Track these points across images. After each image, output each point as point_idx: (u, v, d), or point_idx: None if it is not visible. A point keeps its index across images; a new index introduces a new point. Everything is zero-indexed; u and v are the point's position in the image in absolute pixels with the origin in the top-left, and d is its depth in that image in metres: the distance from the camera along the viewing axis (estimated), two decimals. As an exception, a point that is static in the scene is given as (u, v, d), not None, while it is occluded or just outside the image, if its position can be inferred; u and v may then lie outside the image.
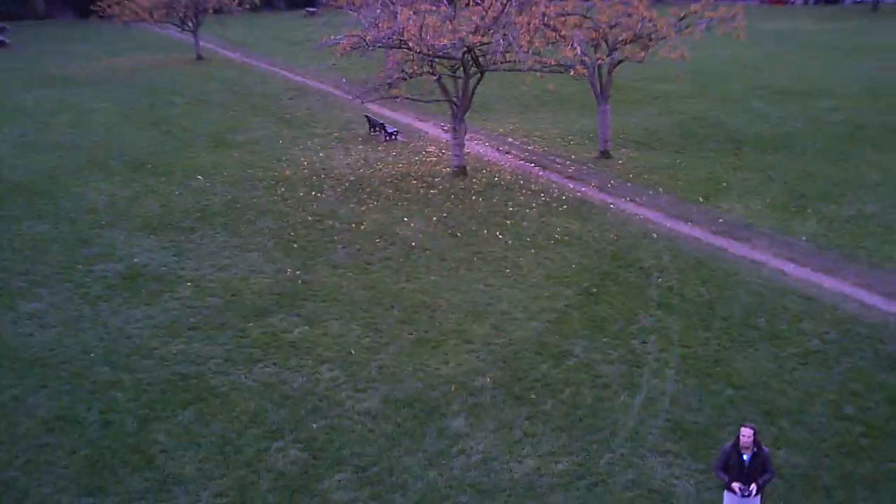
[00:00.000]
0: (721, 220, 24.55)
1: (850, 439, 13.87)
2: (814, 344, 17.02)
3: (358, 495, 12.80)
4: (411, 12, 28.37)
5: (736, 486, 11.02)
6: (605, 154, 32.07)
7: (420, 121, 39.42)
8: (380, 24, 28.78)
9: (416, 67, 29.18)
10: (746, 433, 11.00)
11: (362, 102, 30.17)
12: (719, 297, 19.26)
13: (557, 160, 31.79)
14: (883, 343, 16.94)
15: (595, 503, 12.54)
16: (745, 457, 11.03)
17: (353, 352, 17.24)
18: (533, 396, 15.41)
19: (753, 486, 10.97)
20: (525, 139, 35.32)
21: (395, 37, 28.17)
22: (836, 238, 22.90)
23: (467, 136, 31.49)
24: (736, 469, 11.08)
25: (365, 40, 28.34)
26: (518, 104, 42.96)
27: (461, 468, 13.42)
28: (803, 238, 22.99)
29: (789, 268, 20.93)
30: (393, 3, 29.67)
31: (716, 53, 56.41)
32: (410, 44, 27.67)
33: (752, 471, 11.03)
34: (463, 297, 19.68)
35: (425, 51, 27.69)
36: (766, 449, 11.22)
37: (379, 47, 28.88)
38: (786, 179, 28.26)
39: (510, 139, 35.31)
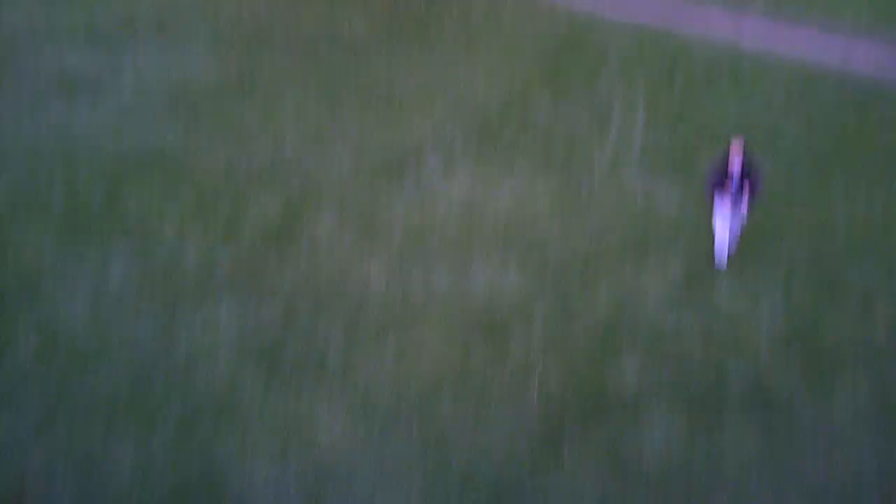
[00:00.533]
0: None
1: (821, 162, 14.22)
2: (777, 96, 17.18)
3: (347, 228, 12.65)
4: None
5: (725, 202, 11.01)
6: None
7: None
8: None
9: None
10: (736, 142, 11.05)
11: None
12: (679, 61, 19.22)
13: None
14: (848, 91, 17.18)
15: (582, 211, 12.65)
16: (735, 167, 11.04)
17: (314, 124, 16.76)
18: (506, 143, 15.31)
19: (744, 205, 11.01)
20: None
21: None
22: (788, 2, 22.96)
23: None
24: (727, 179, 11.11)
25: None
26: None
27: (443, 207, 13.36)
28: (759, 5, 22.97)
29: (749, 24, 20.91)
30: None
31: None
32: None
33: (742, 183, 11.07)
34: (420, 80, 19.18)
35: None
36: (756, 156, 11.25)
37: None
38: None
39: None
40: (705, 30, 21.74)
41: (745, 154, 11.04)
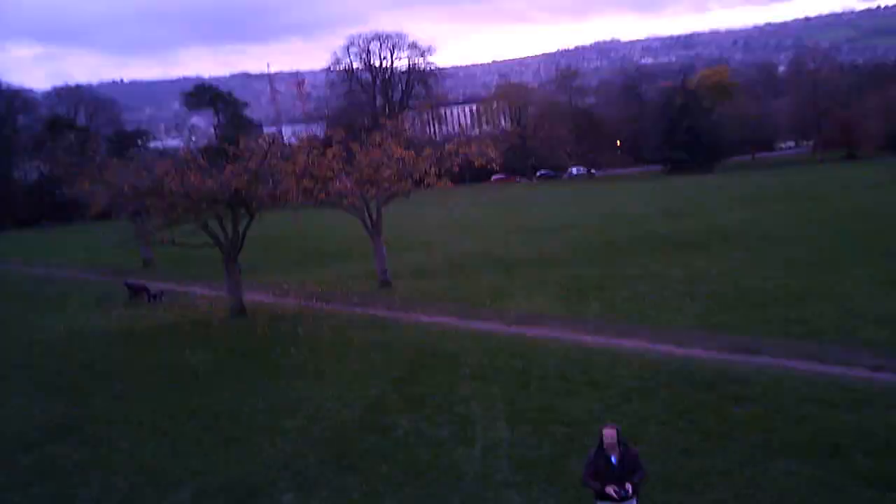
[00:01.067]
0: (512, 314, 24.86)
1: (693, 444, 13.71)
2: (633, 384, 17.08)
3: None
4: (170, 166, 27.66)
5: (610, 488, 9.99)
6: (385, 283, 31.98)
7: (183, 286, 37.42)
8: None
9: (179, 212, 27.74)
10: (609, 433, 10.22)
11: (127, 249, 28.30)
12: (531, 365, 19.05)
13: (339, 294, 31.20)
14: (694, 374, 17.36)
15: (458, 537, 11.25)
16: (612, 458, 10.19)
17: (148, 458, 14.95)
18: (366, 465, 13.98)
19: (629, 486, 10.06)
20: (301, 284, 34.51)
21: (155, 184, 26.93)
22: (622, 312, 23.86)
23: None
24: (605, 473, 10.16)
25: (123, 189, 26.88)
26: (287, 262, 42.34)
27: (301, 534, 11.64)
28: (592, 316, 23.73)
29: (588, 338, 21.33)
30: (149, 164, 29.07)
31: (458, 216, 59.74)
32: (173, 186, 26.51)
33: (622, 471, 10.17)
34: (267, 402, 17.96)
35: (189, 193, 26.64)
36: (633, 448, 10.46)
37: (139, 195, 27.38)
38: (561, 282, 29.47)
39: (285, 285, 34.34)
40: (551, 334, 22.10)
41: (620, 443, 10.27)
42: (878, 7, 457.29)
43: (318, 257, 43.43)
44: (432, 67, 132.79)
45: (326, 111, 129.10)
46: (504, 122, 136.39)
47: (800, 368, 17.25)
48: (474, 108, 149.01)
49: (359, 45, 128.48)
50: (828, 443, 13.04)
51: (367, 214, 32.09)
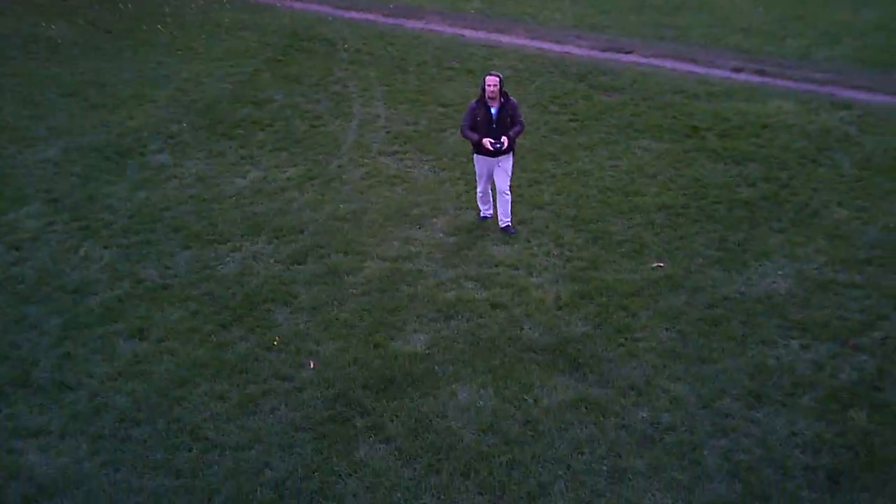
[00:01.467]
0: (391, 6, 24.15)
1: (562, 124, 14.29)
2: (508, 73, 17.29)
3: (56, 219, 10.66)
4: None
5: (487, 141, 10.23)
6: (258, -30, 30.17)
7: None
8: None
9: None
10: (492, 81, 10.13)
11: None
12: (408, 53, 18.88)
13: (208, -22, 29.30)
14: (568, 67, 17.69)
15: (333, 194, 11.62)
16: (492, 110, 10.26)
17: (10, 120, 14.39)
18: (241, 132, 13.94)
19: (504, 139, 10.28)
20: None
21: None
22: (501, 10, 23.59)
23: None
24: (485, 125, 10.20)
25: None
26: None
27: (175, 188, 11.75)
28: (472, 11, 23.40)
29: (467, 32, 21.13)
30: None
31: None
32: None
33: (500, 123, 10.27)
34: (134, 74, 17.27)
35: None
36: (513, 99, 10.52)
37: None
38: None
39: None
40: (430, 27, 21.74)
41: (502, 94, 10.27)
42: None
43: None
44: None
45: None
46: None
47: (668, 66, 17.86)
48: None
49: None
50: (686, 126, 13.89)
51: None
